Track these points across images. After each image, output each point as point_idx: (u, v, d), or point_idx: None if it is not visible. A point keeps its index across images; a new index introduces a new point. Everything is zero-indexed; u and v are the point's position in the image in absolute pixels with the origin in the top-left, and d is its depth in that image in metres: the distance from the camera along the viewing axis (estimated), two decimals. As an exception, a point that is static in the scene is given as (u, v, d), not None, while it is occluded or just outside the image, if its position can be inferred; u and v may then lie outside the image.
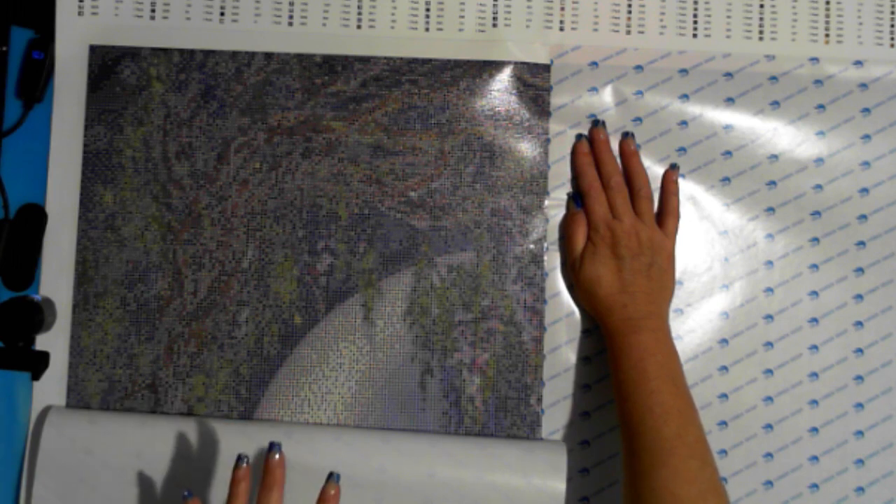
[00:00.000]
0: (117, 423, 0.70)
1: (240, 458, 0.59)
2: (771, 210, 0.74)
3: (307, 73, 0.74)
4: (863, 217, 0.74)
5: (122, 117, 0.74)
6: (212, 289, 0.73)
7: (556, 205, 0.74)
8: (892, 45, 0.75)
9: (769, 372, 0.73)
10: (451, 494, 0.68)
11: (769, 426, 0.72)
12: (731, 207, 0.74)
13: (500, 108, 0.74)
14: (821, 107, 0.74)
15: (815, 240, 0.74)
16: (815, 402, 0.73)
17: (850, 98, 0.74)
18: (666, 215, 0.72)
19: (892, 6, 0.75)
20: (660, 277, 0.70)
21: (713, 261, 0.74)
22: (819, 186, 0.74)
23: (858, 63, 0.74)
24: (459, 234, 0.73)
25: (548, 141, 0.74)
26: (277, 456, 0.59)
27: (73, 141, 0.74)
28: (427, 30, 0.75)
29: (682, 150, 0.74)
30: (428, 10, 0.75)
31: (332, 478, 0.59)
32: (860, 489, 0.72)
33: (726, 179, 0.74)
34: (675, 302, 0.73)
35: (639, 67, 0.74)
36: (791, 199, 0.74)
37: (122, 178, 0.74)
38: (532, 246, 0.73)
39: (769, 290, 0.74)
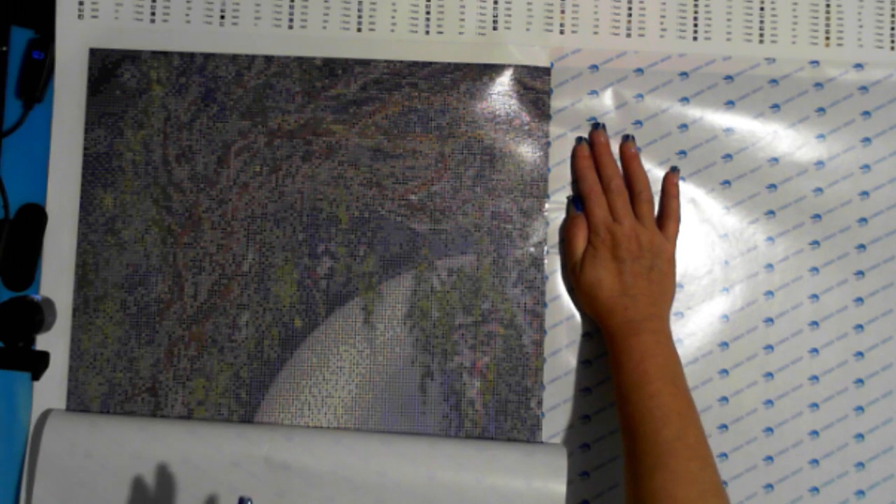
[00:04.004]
0: (117, 426, 0.70)
1: (241, 502, 0.56)
2: (771, 213, 0.74)
3: (307, 77, 0.74)
4: (863, 220, 0.74)
5: (122, 120, 0.74)
6: (212, 292, 0.73)
7: (556, 208, 0.74)
8: (892, 48, 0.75)
9: (769, 375, 0.73)
10: (451, 497, 0.68)
11: (769, 429, 0.72)
12: (732, 210, 0.74)
13: (501, 111, 0.74)
14: (821, 110, 0.74)
15: (816, 243, 0.74)
16: (815, 406, 0.73)
17: (850, 101, 0.74)
18: (666, 218, 0.72)
19: (893, 9, 0.75)
20: (660, 280, 0.70)
21: (713, 264, 0.74)
22: (819, 190, 0.74)
23: (859, 66, 0.74)
24: (460, 237, 0.73)
25: (548, 144, 0.74)
26: None
27: (73, 144, 0.74)
28: (427, 33, 0.75)
29: (683, 153, 0.74)
30: (428, 12, 0.75)
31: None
32: (860, 492, 0.72)
33: (726, 182, 0.74)
34: (676, 305, 0.73)
35: (639, 70, 0.74)
36: (791, 202, 0.74)
37: (123, 182, 0.74)
38: (532, 249, 0.73)
39: (769, 293, 0.73)
